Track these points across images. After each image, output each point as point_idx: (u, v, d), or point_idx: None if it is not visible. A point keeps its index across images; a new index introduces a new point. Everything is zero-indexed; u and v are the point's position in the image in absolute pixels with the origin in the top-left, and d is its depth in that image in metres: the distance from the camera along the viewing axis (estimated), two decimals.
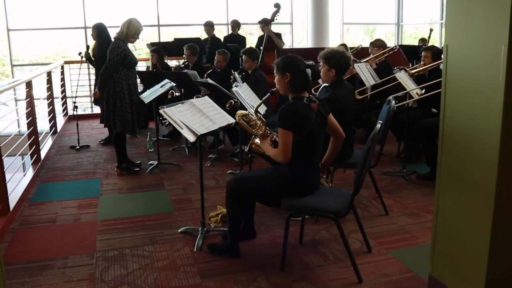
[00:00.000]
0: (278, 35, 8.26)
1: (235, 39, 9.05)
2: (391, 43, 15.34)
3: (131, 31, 5.16)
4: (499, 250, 2.39)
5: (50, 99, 7.74)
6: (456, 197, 2.61)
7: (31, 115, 5.87)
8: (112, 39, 5.36)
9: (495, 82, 2.25)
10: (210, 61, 8.50)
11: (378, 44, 6.87)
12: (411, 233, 3.82)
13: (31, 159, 5.82)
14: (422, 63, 5.66)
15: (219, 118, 3.75)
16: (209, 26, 9.07)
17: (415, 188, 4.87)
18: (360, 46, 8.42)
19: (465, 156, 2.51)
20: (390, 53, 6.88)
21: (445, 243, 2.73)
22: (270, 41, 7.92)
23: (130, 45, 5.32)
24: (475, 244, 2.46)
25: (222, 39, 9.37)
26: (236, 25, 9.29)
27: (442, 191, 2.72)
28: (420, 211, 4.26)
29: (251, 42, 13.98)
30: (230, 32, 9.53)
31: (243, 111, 3.47)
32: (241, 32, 9.53)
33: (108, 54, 5.13)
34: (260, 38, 8.33)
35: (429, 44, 9.20)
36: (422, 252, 3.38)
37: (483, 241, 2.40)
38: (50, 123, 7.68)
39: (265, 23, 8.02)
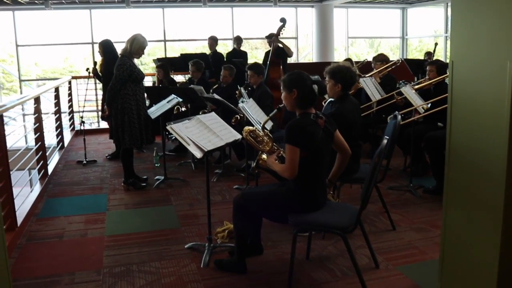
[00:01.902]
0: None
1: (238, 54, 9.13)
2: (396, 56, 15.42)
3: (135, 47, 5.19)
4: (509, 266, 2.37)
5: (58, 114, 7.78)
6: (464, 212, 2.60)
7: (39, 130, 5.92)
8: (119, 55, 5.40)
9: (501, 97, 2.26)
10: (213, 75, 8.55)
11: (381, 58, 6.89)
12: (418, 248, 3.80)
13: (39, 174, 5.85)
14: (427, 77, 5.68)
15: (226, 134, 3.76)
16: (212, 40, 9.17)
17: (422, 203, 4.86)
18: (366, 60, 8.44)
19: (472, 171, 2.51)
20: (393, 67, 6.89)
21: (454, 258, 2.71)
22: (277, 55, 7.96)
23: (136, 60, 5.36)
24: (484, 259, 2.45)
25: (225, 54, 9.47)
26: (236, 40, 9.43)
27: (450, 206, 2.71)
28: (428, 226, 4.25)
29: (255, 56, 14.09)
30: (233, 47, 9.63)
31: (250, 127, 3.49)
32: (246, 46, 9.64)
33: (115, 71, 5.16)
34: (267, 54, 8.39)
35: (434, 58, 9.24)
36: (431, 267, 3.36)
37: (492, 256, 2.39)
38: (57, 138, 7.72)
39: (271, 38, 8.09)
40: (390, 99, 6.06)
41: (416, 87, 5.60)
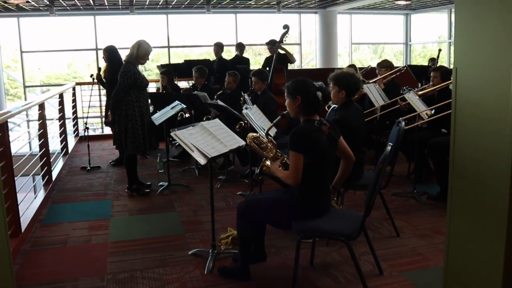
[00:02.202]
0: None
1: (241, 61, 9.16)
2: (399, 62, 15.44)
3: (140, 53, 5.21)
4: None
5: (62, 120, 7.81)
6: (468, 219, 2.59)
7: (43, 136, 5.94)
8: (123, 62, 5.41)
9: (504, 104, 2.26)
10: (217, 82, 8.57)
11: (385, 65, 6.89)
12: (423, 255, 3.79)
13: (43, 180, 5.86)
14: (431, 83, 5.68)
15: (230, 141, 3.77)
16: (218, 46, 9.18)
17: (426, 209, 4.84)
18: (370, 66, 8.45)
19: (477, 177, 2.50)
20: (397, 74, 6.89)
21: (458, 265, 2.70)
22: (279, 62, 7.97)
23: (140, 66, 5.37)
24: (489, 266, 2.44)
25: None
26: (239, 47, 9.46)
27: (454, 213, 2.70)
28: (432, 232, 4.23)
29: (259, 62, 14.14)
30: (236, 54, 9.67)
31: (254, 134, 3.49)
32: (250, 52, 9.66)
33: (119, 78, 5.18)
34: (268, 59, 8.39)
35: (438, 64, 9.24)
36: (435, 274, 3.36)
37: (496, 263, 2.38)
38: (61, 144, 7.74)
39: (273, 44, 8.09)
40: (393, 105, 6.05)
41: (420, 93, 5.61)
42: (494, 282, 2.40)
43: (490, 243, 2.42)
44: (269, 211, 3.25)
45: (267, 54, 8.76)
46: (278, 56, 7.99)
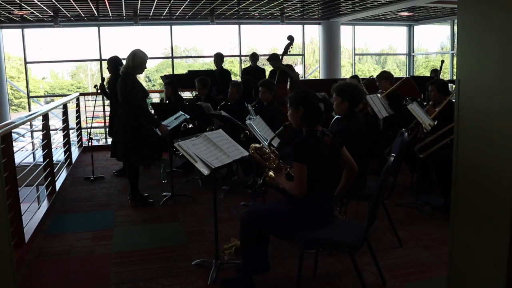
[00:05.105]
0: (289, 66, 8.35)
1: (255, 71, 9.16)
2: (402, 72, 15.46)
3: (137, 62, 5.20)
4: None
5: (66, 131, 7.83)
6: (471, 229, 2.59)
7: (47, 146, 5.96)
8: (120, 74, 5.37)
9: (508, 115, 2.26)
10: (220, 92, 8.59)
11: (385, 76, 6.87)
12: (426, 265, 3.79)
13: (47, 190, 5.87)
14: (429, 95, 5.68)
15: (233, 151, 3.78)
16: (218, 57, 9.21)
17: (429, 220, 4.84)
18: (372, 77, 8.45)
19: (479, 189, 2.50)
20: (400, 85, 6.90)
21: (461, 276, 2.70)
22: (283, 74, 8.00)
23: (141, 78, 5.38)
24: (492, 277, 2.44)
25: (240, 71, 9.52)
26: (252, 57, 9.47)
27: (457, 224, 2.70)
28: (435, 243, 4.23)
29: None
30: (249, 64, 9.68)
31: (257, 145, 3.50)
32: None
33: (123, 90, 5.14)
34: (272, 73, 8.43)
35: (441, 75, 9.25)
36: (438, 285, 3.35)
37: (499, 274, 2.37)
38: (65, 154, 7.75)
39: (276, 59, 8.12)
40: (396, 116, 6.05)
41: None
42: None
43: (493, 254, 2.42)
44: (272, 221, 3.26)
45: (270, 66, 8.80)
46: (282, 70, 8.04)
